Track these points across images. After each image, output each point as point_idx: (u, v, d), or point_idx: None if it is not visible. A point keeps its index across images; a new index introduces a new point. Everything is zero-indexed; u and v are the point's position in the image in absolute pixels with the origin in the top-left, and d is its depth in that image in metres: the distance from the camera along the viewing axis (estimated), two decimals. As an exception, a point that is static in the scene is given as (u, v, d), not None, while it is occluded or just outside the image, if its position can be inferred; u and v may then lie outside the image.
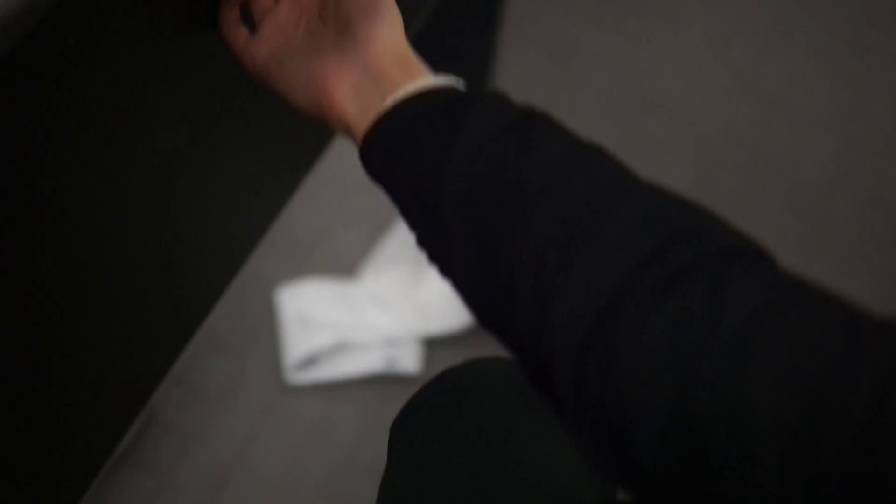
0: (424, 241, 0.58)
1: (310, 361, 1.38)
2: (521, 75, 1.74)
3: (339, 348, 1.38)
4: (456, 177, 0.55)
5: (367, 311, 1.42)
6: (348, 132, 0.61)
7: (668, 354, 0.47)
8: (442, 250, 0.57)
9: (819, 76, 1.81)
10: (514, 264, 0.52)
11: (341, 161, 1.60)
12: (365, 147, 0.59)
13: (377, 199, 1.55)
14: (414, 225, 0.58)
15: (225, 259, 0.75)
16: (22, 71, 0.47)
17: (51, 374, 0.60)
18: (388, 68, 0.60)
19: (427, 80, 0.60)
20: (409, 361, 1.38)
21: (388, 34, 0.61)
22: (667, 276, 0.49)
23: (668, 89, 1.76)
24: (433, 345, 1.42)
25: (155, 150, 0.61)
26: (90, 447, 0.68)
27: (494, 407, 0.77)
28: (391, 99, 0.59)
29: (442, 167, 0.56)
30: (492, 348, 1.42)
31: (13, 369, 0.56)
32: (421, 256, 1.47)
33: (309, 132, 0.82)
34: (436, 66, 1.48)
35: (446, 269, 0.57)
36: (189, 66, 0.63)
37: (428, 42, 1.44)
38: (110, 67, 0.54)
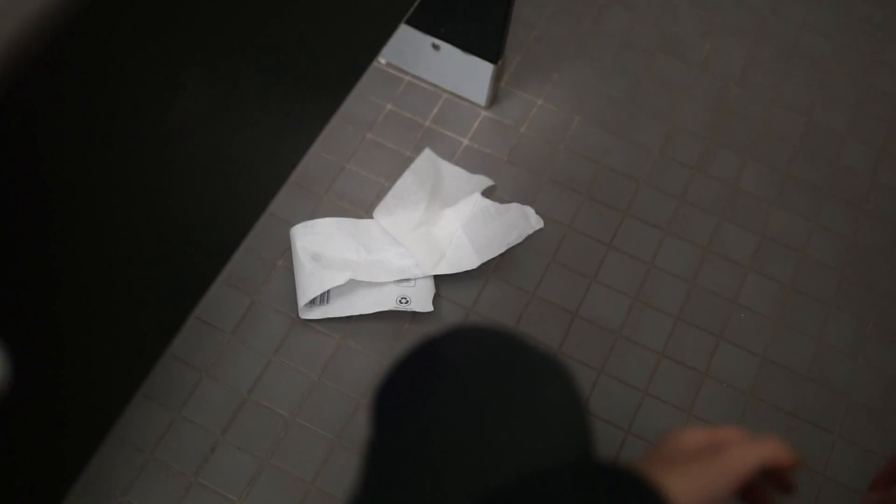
0: None
1: (323, 298, 1.39)
2: (538, 17, 1.73)
3: (352, 285, 1.40)
4: None
5: (380, 249, 1.43)
6: None
7: None
8: None
9: (837, 23, 1.80)
10: None
11: (359, 100, 1.60)
12: None
13: (394, 139, 1.55)
14: None
15: (248, 204, 0.76)
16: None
17: (87, 313, 0.61)
18: None
19: None
20: (421, 299, 1.40)
21: None
22: None
23: (686, 33, 1.75)
24: (444, 282, 1.43)
25: (179, 101, 0.62)
26: (120, 383, 0.69)
27: (474, 370, 0.78)
28: None
29: None
30: (498, 288, 1.43)
31: (59, 314, 0.57)
32: (433, 196, 1.48)
33: (331, 77, 0.82)
34: (454, 10, 1.48)
35: None
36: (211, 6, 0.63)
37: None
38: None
